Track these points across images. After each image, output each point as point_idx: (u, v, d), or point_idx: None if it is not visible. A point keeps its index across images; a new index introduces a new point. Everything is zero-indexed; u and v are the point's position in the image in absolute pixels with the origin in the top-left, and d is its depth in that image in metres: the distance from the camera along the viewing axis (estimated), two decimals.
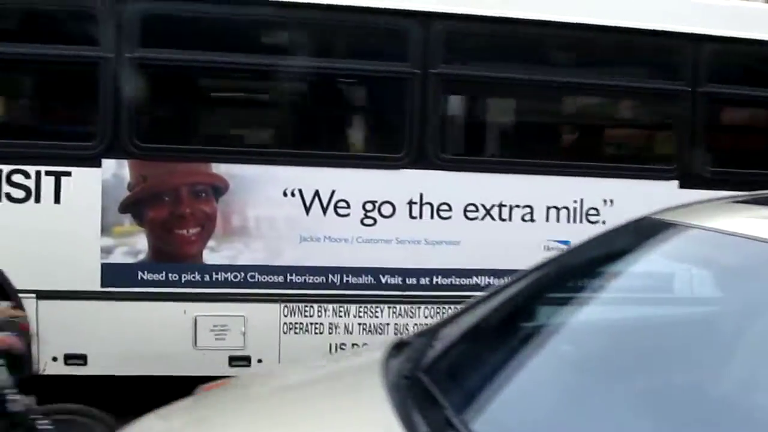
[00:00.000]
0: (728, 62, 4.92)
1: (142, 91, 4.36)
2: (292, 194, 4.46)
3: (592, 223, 4.65)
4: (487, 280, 4.59)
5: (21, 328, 3.49)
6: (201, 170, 4.46)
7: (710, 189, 4.22)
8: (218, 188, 4.41)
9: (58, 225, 4.27)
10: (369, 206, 4.54)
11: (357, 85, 5.15)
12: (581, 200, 4.71)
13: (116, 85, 4.23)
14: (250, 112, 5.30)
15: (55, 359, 4.35)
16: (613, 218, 3.80)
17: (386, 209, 4.55)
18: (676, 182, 4.69)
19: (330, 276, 4.54)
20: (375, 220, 4.55)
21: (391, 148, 4.68)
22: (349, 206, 4.53)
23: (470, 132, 5.31)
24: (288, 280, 4.51)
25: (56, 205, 4.27)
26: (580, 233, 3.51)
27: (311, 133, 5.07)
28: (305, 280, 4.52)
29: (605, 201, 4.72)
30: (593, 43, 4.90)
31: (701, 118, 4.78)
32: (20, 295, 4.23)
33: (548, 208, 4.69)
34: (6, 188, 4.20)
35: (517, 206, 4.65)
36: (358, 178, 4.57)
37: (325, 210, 4.49)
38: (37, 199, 4.24)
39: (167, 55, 4.43)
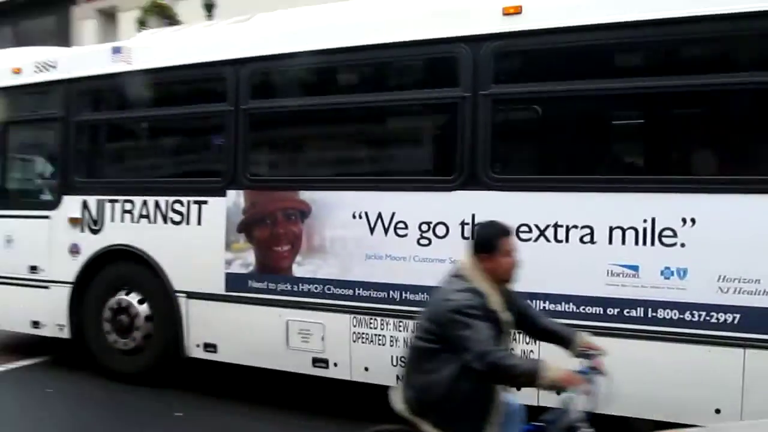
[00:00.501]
0: None
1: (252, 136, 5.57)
2: (360, 216, 5.04)
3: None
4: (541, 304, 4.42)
5: (595, 365, 3.21)
6: (291, 197, 5.37)
7: None
8: (303, 212, 5.29)
9: (200, 241, 5.72)
10: (424, 227, 4.84)
11: (413, 113, 5.47)
12: (653, 219, 4.20)
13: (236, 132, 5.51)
14: (323, 146, 6.05)
15: (197, 346, 5.73)
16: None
17: (440, 230, 4.79)
18: None
19: (390, 292, 4.96)
20: (430, 241, 4.83)
21: (444, 171, 4.91)
22: (406, 227, 4.91)
23: (521, 151, 5.13)
24: (356, 294, 5.09)
25: (198, 226, 5.71)
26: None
27: (374, 160, 5.71)
28: (370, 294, 5.03)
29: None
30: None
31: None
32: (176, 294, 5.76)
33: (611, 228, 4.31)
34: (169, 214, 5.81)
35: (575, 227, 4.39)
36: (414, 200, 4.92)
37: (386, 230, 4.96)
38: (188, 222, 5.77)
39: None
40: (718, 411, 4.07)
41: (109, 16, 18.67)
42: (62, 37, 19.03)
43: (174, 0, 15.45)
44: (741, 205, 4.03)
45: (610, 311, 4.30)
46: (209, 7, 13.66)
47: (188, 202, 5.72)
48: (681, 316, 4.14)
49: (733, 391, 4.01)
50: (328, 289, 5.17)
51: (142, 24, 15.33)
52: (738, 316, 4.01)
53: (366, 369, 5.08)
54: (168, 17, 15.38)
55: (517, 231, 4.35)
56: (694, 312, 4.11)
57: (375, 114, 5.51)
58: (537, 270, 4.16)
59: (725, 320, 4.03)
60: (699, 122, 4.75)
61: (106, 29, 18.66)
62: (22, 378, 6.60)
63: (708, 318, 4.08)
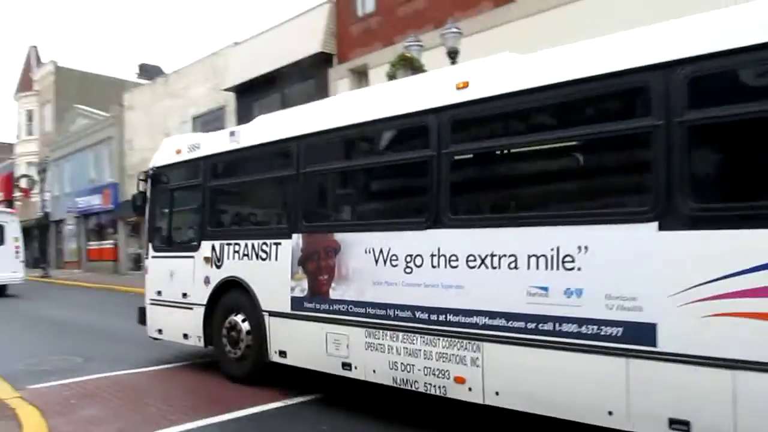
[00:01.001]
0: None
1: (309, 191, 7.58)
2: (369, 251, 6.46)
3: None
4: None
5: None
6: (329, 239, 6.93)
7: None
8: (337, 248, 6.81)
9: (277, 273, 7.50)
10: (408, 258, 6.08)
11: (395, 172, 6.95)
12: (557, 248, 5.08)
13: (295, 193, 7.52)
14: (347, 201, 7.77)
15: (275, 352, 7.63)
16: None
17: (418, 260, 6.02)
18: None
19: (387, 311, 6.28)
20: (412, 269, 6.06)
21: (419, 215, 6.16)
22: (397, 259, 6.18)
23: (468, 198, 6.21)
24: (367, 312, 6.46)
25: (276, 261, 7.57)
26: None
27: (375, 207, 7.39)
28: (375, 312, 6.39)
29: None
30: None
31: None
32: (263, 312, 7.66)
33: (529, 256, 5.22)
34: (260, 252, 7.80)
35: (504, 255, 5.36)
36: (398, 237, 6.23)
37: (385, 262, 6.29)
38: (269, 258, 7.70)
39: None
40: (610, 413, 4.72)
41: (359, 74, 21.12)
42: (320, 96, 22.26)
43: (420, 51, 16.21)
44: (619, 234, 4.70)
45: (530, 325, 5.14)
46: (453, 55, 14.02)
47: (269, 243, 7.68)
48: (579, 330, 4.87)
49: (621, 396, 4.64)
50: (351, 309, 6.63)
51: (391, 77, 16.32)
52: (621, 329, 4.65)
53: (374, 371, 6.40)
54: (415, 69, 16.03)
55: (467, 260, 5.58)
56: (589, 326, 4.81)
57: (373, 174, 7.26)
58: (479, 291, 5.47)
59: (611, 333, 4.70)
60: (587, 168, 5.49)
61: (358, 86, 21.32)
62: (296, 414, 6.91)
63: (599, 331, 4.76)
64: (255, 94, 24.08)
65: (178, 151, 9.35)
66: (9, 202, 46.79)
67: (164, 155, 9.72)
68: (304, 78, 21.77)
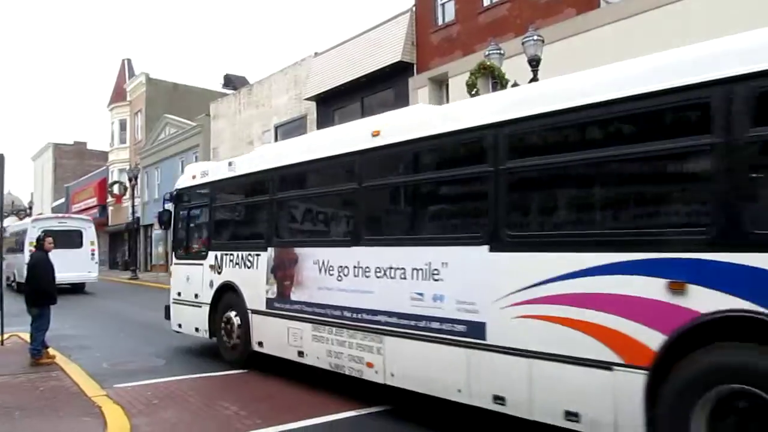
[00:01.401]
0: None
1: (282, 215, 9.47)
2: (316, 263, 8.13)
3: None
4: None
5: None
6: (291, 252, 8.64)
7: None
8: (295, 259, 8.49)
9: (257, 279, 9.27)
10: (340, 269, 7.73)
11: (336, 201, 8.71)
12: (429, 263, 6.57)
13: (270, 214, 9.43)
14: (304, 222, 9.32)
15: (257, 343, 9.41)
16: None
17: (345, 271, 7.63)
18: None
19: (326, 310, 7.92)
20: (342, 277, 7.68)
21: (348, 236, 7.86)
22: (333, 269, 7.82)
23: (375, 222, 7.81)
24: (313, 311, 8.13)
25: (256, 269, 9.33)
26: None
27: (320, 227, 9.04)
28: (319, 311, 8.05)
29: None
30: None
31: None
32: (248, 310, 9.53)
33: (412, 269, 6.76)
34: (246, 262, 9.59)
35: (398, 268, 6.92)
36: (334, 252, 7.89)
37: (326, 271, 7.94)
38: (252, 267, 9.46)
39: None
40: (459, 390, 6.19)
41: (439, 83, 21.15)
42: (400, 105, 22.38)
43: (500, 59, 15.97)
44: (465, 253, 6.16)
45: (411, 323, 6.68)
46: (534, 63, 13.77)
47: (252, 255, 9.51)
48: (440, 326, 6.33)
49: (464, 377, 6.10)
50: (303, 308, 8.35)
51: (471, 86, 16.21)
52: (465, 327, 6.08)
53: (317, 358, 8.13)
54: (495, 78, 15.82)
55: (375, 271, 7.19)
56: (446, 324, 6.27)
57: (318, 201, 9.02)
58: (382, 295, 7.06)
59: (459, 329, 6.15)
60: (448, 202, 7.10)
61: (437, 94, 21.30)
62: (367, 425, 6.93)
63: (452, 327, 6.21)
64: (335, 103, 24.43)
65: (194, 177, 11.34)
66: (102, 207, 49.09)
67: (184, 179, 11.69)
68: (384, 87, 21.94)
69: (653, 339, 4.71)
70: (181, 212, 11.71)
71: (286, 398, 8.17)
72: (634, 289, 4.83)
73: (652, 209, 5.12)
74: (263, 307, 9.14)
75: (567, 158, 5.46)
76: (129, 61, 50.85)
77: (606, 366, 4.98)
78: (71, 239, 24.27)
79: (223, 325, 10.16)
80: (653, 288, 4.72)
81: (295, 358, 8.57)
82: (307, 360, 8.32)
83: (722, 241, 4.39)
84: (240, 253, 9.77)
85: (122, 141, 48.45)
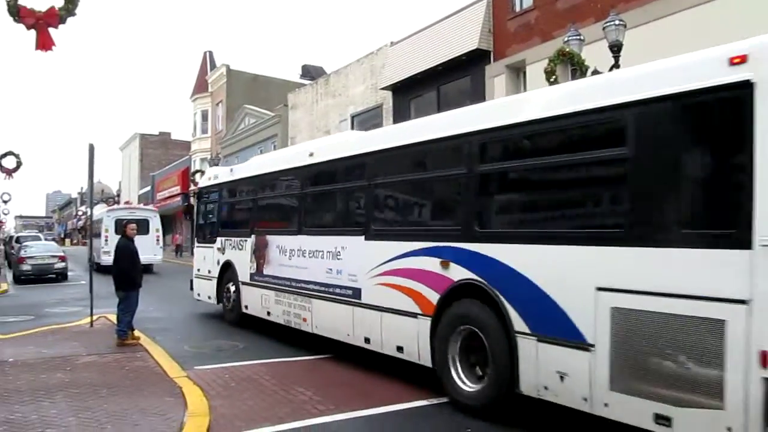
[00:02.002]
0: None
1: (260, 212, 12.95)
2: (277, 247, 11.25)
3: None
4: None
5: None
6: (264, 239, 11.76)
7: None
8: (266, 244, 11.61)
9: (245, 258, 12.54)
10: (290, 250, 10.80)
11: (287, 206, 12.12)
12: (335, 247, 9.59)
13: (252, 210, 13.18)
14: (270, 216, 12.33)
15: (245, 307, 12.60)
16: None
17: (293, 252, 10.70)
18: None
19: (283, 281, 11.01)
20: (291, 257, 10.76)
21: (294, 227, 10.93)
22: (287, 251, 10.93)
23: (312, 218, 10.70)
24: (275, 282, 11.22)
25: (244, 251, 12.58)
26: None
27: (280, 220, 11.94)
28: (278, 282, 11.13)
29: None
30: None
31: None
32: (239, 282, 12.76)
33: (326, 251, 9.81)
34: (238, 245, 12.91)
35: (319, 251, 9.91)
36: (287, 239, 10.96)
37: (283, 253, 11.03)
38: (242, 249, 12.77)
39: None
40: (348, 335, 9.11)
41: (517, 71, 20.78)
42: (476, 93, 21.95)
43: (580, 45, 15.50)
44: (352, 240, 9.01)
45: (327, 289, 9.56)
46: (616, 49, 13.17)
47: (243, 239, 12.66)
48: (340, 291, 9.20)
49: (350, 325, 8.99)
50: (270, 280, 11.45)
51: (550, 74, 15.81)
52: (351, 291, 8.94)
53: (277, 316, 11.22)
54: (575, 64, 15.35)
55: (308, 252, 10.23)
56: (343, 289, 9.14)
57: (277, 202, 12.29)
58: (312, 269, 9.98)
59: (349, 294, 8.98)
60: (345, 205, 9.95)
61: (514, 82, 20.93)
62: (440, 414, 6.97)
63: (346, 292, 9.07)
64: (411, 92, 24.38)
65: (210, 178, 14.89)
66: (185, 195, 50.73)
67: (203, 180, 15.46)
68: (460, 75, 21.72)
69: (434, 297, 7.47)
70: (200, 206, 15.11)
71: (361, 385, 8.28)
72: (425, 265, 7.60)
73: (432, 215, 8.25)
74: (248, 280, 12.33)
75: (393, 180, 8.59)
76: (211, 53, 52.20)
77: (414, 315, 7.80)
78: (140, 227, 25.40)
79: (225, 293, 13.41)
80: (433, 265, 7.47)
81: (265, 316, 11.73)
82: (272, 318, 11.46)
83: (465, 236, 7.09)
84: (235, 239, 13.03)
85: (204, 131, 49.82)
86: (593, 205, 6.10)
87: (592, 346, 5.58)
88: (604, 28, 13.57)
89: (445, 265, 7.26)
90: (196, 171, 45.97)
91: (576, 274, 5.76)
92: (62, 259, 27.04)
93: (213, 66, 49.95)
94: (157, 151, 69.21)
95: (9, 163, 33.41)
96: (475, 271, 6.86)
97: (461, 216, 7.23)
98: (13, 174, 33.49)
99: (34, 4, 9.40)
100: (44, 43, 9.40)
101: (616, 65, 13.04)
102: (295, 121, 34.38)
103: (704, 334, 4.79)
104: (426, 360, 7.63)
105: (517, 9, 20.14)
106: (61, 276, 26.63)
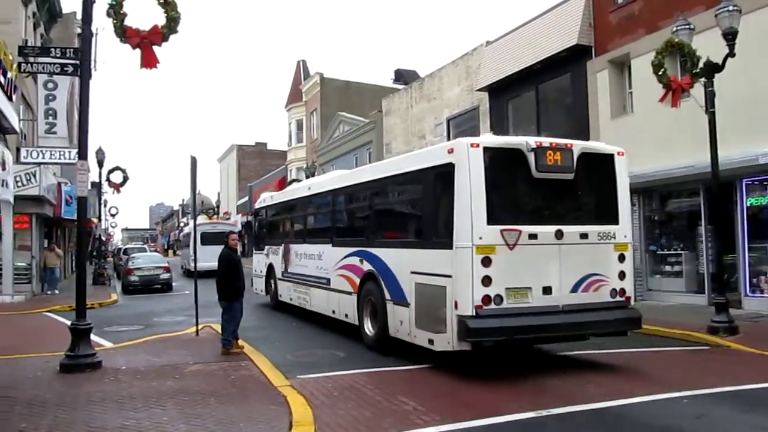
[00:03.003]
0: None
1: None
2: (296, 252, 16.58)
3: None
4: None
5: None
6: (288, 246, 17.31)
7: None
8: (291, 249, 16.93)
9: (279, 260, 18.11)
10: (302, 254, 16.07)
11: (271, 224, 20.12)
12: (320, 252, 14.83)
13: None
14: (301, 226, 17.03)
15: (279, 296, 18.23)
16: None
17: (303, 255, 15.98)
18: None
19: (298, 276, 16.30)
20: (301, 258, 16.07)
21: (300, 236, 16.71)
22: (299, 255, 16.27)
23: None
24: (294, 277, 16.61)
25: (278, 255, 18.17)
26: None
27: (295, 233, 17.36)
28: (295, 277, 16.51)
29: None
30: None
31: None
32: (277, 277, 18.44)
33: (319, 254, 14.95)
34: (275, 251, 18.70)
35: (320, 253, 14.69)
36: (297, 246, 16.56)
37: (298, 257, 16.30)
38: (276, 254, 18.44)
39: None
40: (333, 312, 13.71)
41: (620, 65, 19.98)
42: (577, 91, 21.33)
43: (690, 35, 14.81)
44: (325, 247, 14.14)
45: (316, 280, 14.72)
46: (730, 36, 12.48)
47: (277, 247, 18.31)
48: (324, 281, 14.09)
49: (326, 304, 14.08)
50: (290, 275, 16.85)
51: (658, 67, 15.10)
52: (327, 280, 13.97)
53: (292, 299, 16.81)
54: (685, 55, 14.57)
55: (309, 255, 15.42)
56: (323, 280, 14.13)
57: (292, 220, 18.07)
58: (311, 267, 15.16)
59: (326, 282, 13.97)
60: (322, 222, 15.48)
61: (618, 78, 20.13)
62: (546, 426, 7.01)
63: (326, 282, 13.94)
64: (508, 92, 24.13)
65: (261, 201, 20.95)
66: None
67: (258, 203, 21.55)
68: (560, 73, 21.30)
69: (357, 282, 12.16)
70: (256, 223, 21.39)
71: (465, 395, 8.24)
72: (354, 262, 12.34)
73: (356, 231, 13.14)
74: (280, 276, 18.00)
75: (341, 207, 13.96)
76: (304, 62, 53.57)
77: (350, 293, 12.51)
78: (220, 239, 32.59)
79: (269, 286, 19.11)
80: (358, 261, 12.17)
81: (288, 301, 17.19)
82: (291, 302, 16.86)
83: (367, 244, 11.91)
84: (274, 247, 18.69)
85: (299, 140, 51.21)
86: (409, 226, 11.30)
87: (410, 304, 10.29)
88: (716, 15, 12.95)
89: (360, 261, 12.21)
90: (292, 180, 47.15)
91: (404, 265, 10.54)
92: (167, 269, 28.41)
93: (307, 75, 51.22)
94: (254, 161, 71.57)
95: (116, 178, 35.52)
96: (372, 264, 11.71)
97: (365, 231, 12.54)
98: (120, 188, 35.56)
99: (138, 23, 9.91)
100: (149, 61, 9.90)
101: (731, 54, 12.44)
102: (390, 126, 34.68)
103: (440, 293, 9.30)
104: (355, 320, 12.46)
105: (620, 0, 19.55)
106: (167, 286, 27.99)
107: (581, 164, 9.71)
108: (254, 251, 20.97)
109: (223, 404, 7.64)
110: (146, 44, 9.86)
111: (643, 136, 17.73)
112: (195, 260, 14.31)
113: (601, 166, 10.16)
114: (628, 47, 18.81)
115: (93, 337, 10.83)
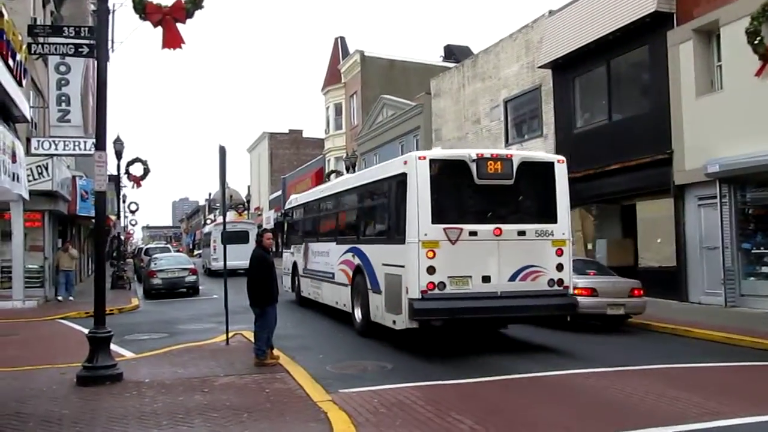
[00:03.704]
0: None
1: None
2: (312, 250, 20.37)
3: None
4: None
5: None
6: (306, 245, 21.26)
7: None
8: (309, 248, 20.83)
9: (300, 257, 21.85)
10: (313, 252, 20.22)
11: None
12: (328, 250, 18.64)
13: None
14: (315, 226, 21.04)
15: (301, 292, 22.03)
16: None
17: (315, 253, 20.08)
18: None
19: (312, 272, 20.12)
20: (316, 255, 19.75)
21: (313, 236, 20.94)
22: (315, 252, 20.03)
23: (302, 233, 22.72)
24: (311, 273, 20.35)
25: (301, 253, 21.99)
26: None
27: (310, 233, 21.41)
28: (311, 273, 20.27)
29: None
30: None
31: None
32: (299, 275, 22.47)
33: (327, 252, 18.68)
34: (297, 250, 22.76)
35: (326, 251, 18.54)
36: (312, 245, 20.47)
37: (313, 255, 20.15)
38: (299, 252, 22.34)
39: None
40: (336, 303, 17.21)
41: (706, 35, 19.53)
42: (657, 65, 20.88)
43: None
44: (331, 246, 17.81)
45: (324, 275, 18.33)
46: None
47: (299, 246, 22.15)
48: (328, 276, 17.87)
49: (332, 295, 17.62)
50: (309, 271, 20.58)
51: (753, 35, 14.64)
52: (332, 275, 17.46)
53: (309, 294, 20.46)
54: None
55: (320, 253, 19.29)
56: (329, 275, 17.68)
57: (310, 220, 21.96)
58: (321, 263, 19.00)
59: (331, 277, 17.53)
60: (328, 224, 19.28)
61: (704, 49, 19.58)
62: None
63: (331, 277, 17.54)
64: (575, 69, 23.83)
65: (289, 203, 25.25)
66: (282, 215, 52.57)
67: (288, 204, 25.40)
68: (636, 45, 20.95)
69: (351, 274, 15.51)
70: (287, 223, 24.90)
71: (520, 412, 8.23)
72: (348, 257, 15.78)
73: (350, 230, 16.65)
74: (302, 273, 21.46)
75: (340, 210, 17.89)
76: (343, 39, 53.75)
77: (346, 285, 15.86)
78: (240, 237, 37.35)
79: (293, 282, 22.94)
80: (351, 257, 15.53)
81: (308, 296, 20.57)
82: (311, 297, 20.06)
83: (357, 241, 15.57)
84: (297, 245, 22.27)
85: (338, 127, 51.37)
86: (381, 226, 14.66)
87: (382, 292, 13.31)
88: None
89: (352, 256, 15.51)
90: (331, 171, 47.29)
91: (378, 258, 13.71)
92: (193, 272, 28.82)
93: (345, 54, 51.35)
94: (288, 151, 72.20)
95: (137, 170, 36.20)
96: (360, 259, 14.95)
97: (356, 231, 15.99)
98: (141, 182, 36.22)
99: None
100: (172, 40, 10.04)
101: None
102: (440, 110, 34.61)
103: (398, 281, 12.35)
104: (349, 309, 15.74)
105: None
106: (193, 290, 28.48)
107: (522, 172, 12.63)
108: (284, 250, 25.14)
109: (257, 421, 7.69)
110: (169, 21, 10.00)
111: (735, 116, 17.32)
112: (225, 260, 14.08)
113: (541, 173, 13.08)
114: (716, 13, 18.36)
115: (113, 346, 11.01)
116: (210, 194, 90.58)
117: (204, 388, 9.44)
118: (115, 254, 42.93)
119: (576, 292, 13.65)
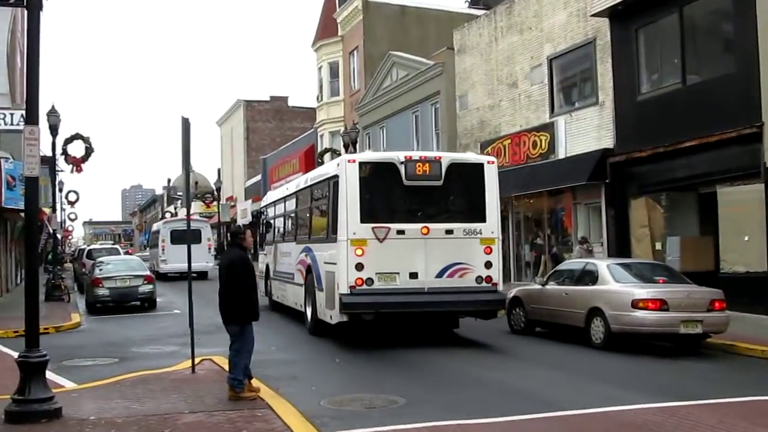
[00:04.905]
0: None
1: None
2: (281, 251, 25.54)
3: None
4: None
5: None
6: (275, 246, 26.85)
7: None
8: (278, 248, 26.22)
9: (270, 260, 27.69)
10: (279, 253, 25.68)
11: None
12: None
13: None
14: (283, 226, 26.85)
15: (271, 294, 27.85)
16: None
17: (280, 254, 25.63)
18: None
19: (279, 274, 25.40)
20: (280, 257, 25.46)
21: (282, 237, 26.75)
22: (281, 253, 25.36)
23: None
24: (278, 275, 25.53)
25: (271, 255, 27.82)
26: None
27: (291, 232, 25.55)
28: (279, 275, 25.45)
29: None
30: None
31: None
32: (271, 277, 28.40)
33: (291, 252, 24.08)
34: (269, 252, 27.93)
35: (288, 252, 24.32)
36: (282, 245, 25.68)
37: (278, 256, 25.85)
38: (269, 254, 28.17)
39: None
40: (295, 303, 22.11)
41: None
42: (741, 14, 20.81)
43: None
44: (297, 247, 22.10)
45: (287, 276, 23.47)
46: None
47: (269, 247, 27.83)
48: (291, 277, 22.71)
49: (293, 297, 22.48)
50: (279, 273, 25.36)
51: None
52: (292, 275, 22.52)
53: (278, 297, 25.46)
54: None
55: (284, 253, 24.72)
56: (289, 275, 23.09)
57: (278, 221, 27.79)
58: (287, 264, 23.98)
59: (293, 277, 22.41)
60: (305, 222, 22.51)
61: None
62: None
63: (291, 277, 22.74)
64: (638, 18, 23.78)
65: (263, 201, 32.83)
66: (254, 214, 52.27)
67: (263, 202, 32.75)
68: None
69: (304, 274, 20.28)
70: (261, 221, 28.49)
71: None
72: (303, 257, 20.72)
73: (304, 230, 22.02)
74: (272, 275, 26.22)
75: (295, 210, 23.74)
76: None
77: (301, 285, 20.70)
78: (193, 237, 47.47)
79: (267, 285, 26.89)
80: (305, 256, 20.49)
81: (277, 300, 25.30)
82: (280, 300, 24.76)
83: (308, 241, 20.63)
84: (268, 247, 27.21)
85: (334, 92, 50.56)
86: (323, 225, 19.37)
87: (324, 289, 17.87)
88: None
89: (306, 255, 19.82)
90: (325, 150, 47.01)
91: (321, 257, 18.44)
92: (149, 280, 28.92)
93: None
94: (270, 124, 71.95)
95: (77, 150, 35.89)
96: (310, 258, 19.39)
97: (308, 231, 20.72)
98: (83, 165, 36.14)
99: None
100: None
101: None
102: (465, 70, 34.51)
103: (333, 278, 17.02)
104: (302, 308, 19.91)
105: None
106: (148, 302, 28.65)
107: (451, 173, 16.80)
108: (260, 250, 29.32)
109: None
110: None
111: None
112: (189, 263, 13.82)
113: (470, 174, 17.41)
114: None
115: (49, 374, 11.02)
116: (169, 180, 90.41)
117: (164, 429, 9.47)
118: (50, 257, 42.89)
119: (640, 305, 14.26)
